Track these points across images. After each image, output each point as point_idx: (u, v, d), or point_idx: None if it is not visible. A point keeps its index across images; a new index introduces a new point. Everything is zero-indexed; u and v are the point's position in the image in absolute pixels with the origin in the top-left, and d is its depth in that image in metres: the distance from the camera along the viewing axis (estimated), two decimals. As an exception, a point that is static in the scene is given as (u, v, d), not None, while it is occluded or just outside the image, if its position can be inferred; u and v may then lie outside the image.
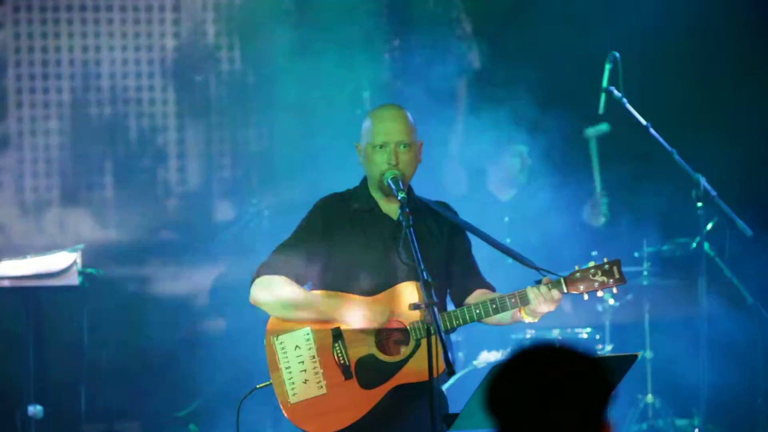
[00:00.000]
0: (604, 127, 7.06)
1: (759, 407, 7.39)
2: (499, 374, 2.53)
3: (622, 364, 4.36)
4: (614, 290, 4.66)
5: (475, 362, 6.62)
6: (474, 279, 4.87)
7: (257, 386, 4.79)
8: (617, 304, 7.13)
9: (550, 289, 4.56)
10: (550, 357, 2.51)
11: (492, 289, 4.85)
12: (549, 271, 4.65)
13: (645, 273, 7.13)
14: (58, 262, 6.55)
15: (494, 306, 4.61)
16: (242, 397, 4.81)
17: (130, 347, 7.46)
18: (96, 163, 7.85)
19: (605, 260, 4.65)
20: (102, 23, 7.85)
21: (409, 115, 4.85)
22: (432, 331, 4.33)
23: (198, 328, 7.72)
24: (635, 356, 4.51)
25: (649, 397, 7.16)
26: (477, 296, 4.82)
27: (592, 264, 4.63)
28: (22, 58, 7.82)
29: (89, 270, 6.76)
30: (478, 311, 4.62)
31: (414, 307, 4.53)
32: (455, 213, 4.94)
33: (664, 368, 7.17)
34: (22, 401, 6.67)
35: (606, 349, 6.95)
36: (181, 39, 7.92)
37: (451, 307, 4.84)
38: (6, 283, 6.53)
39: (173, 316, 7.72)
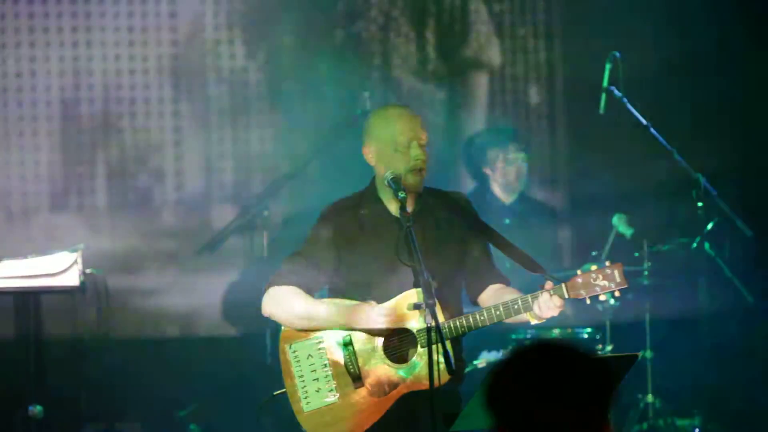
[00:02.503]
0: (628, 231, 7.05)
1: (759, 407, 7.39)
2: (500, 374, 2.53)
3: (622, 364, 4.37)
4: (616, 293, 4.68)
5: (475, 362, 6.62)
6: (488, 274, 4.89)
7: (274, 394, 4.83)
8: (617, 304, 7.13)
9: (551, 296, 4.57)
10: (551, 356, 2.51)
11: (507, 283, 4.87)
12: (552, 276, 4.66)
13: (645, 273, 7.13)
14: (58, 263, 6.55)
15: (498, 313, 4.63)
16: (260, 404, 4.84)
17: (131, 347, 7.45)
18: (87, 166, 7.75)
19: (607, 263, 4.66)
20: (94, 17, 7.72)
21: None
22: (433, 335, 4.35)
23: (199, 328, 7.71)
24: (635, 356, 4.53)
25: (649, 397, 7.15)
26: (491, 293, 4.84)
27: (594, 267, 4.64)
28: (8, 53, 7.70)
29: (89, 270, 6.76)
30: (482, 318, 4.65)
31: (414, 306, 4.55)
32: (470, 206, 4.95)
33: (664, 368, 7.17)
34: (22, 401, 6.67)
35: (606, 349, 6.95)
36: (179, 33, 7.81)
37: (465, 301, 4.87)
38: (6, 284, 6.53)
39: (174, 316, 7.71)
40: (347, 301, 4.75)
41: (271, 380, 4.89)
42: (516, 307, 4.62)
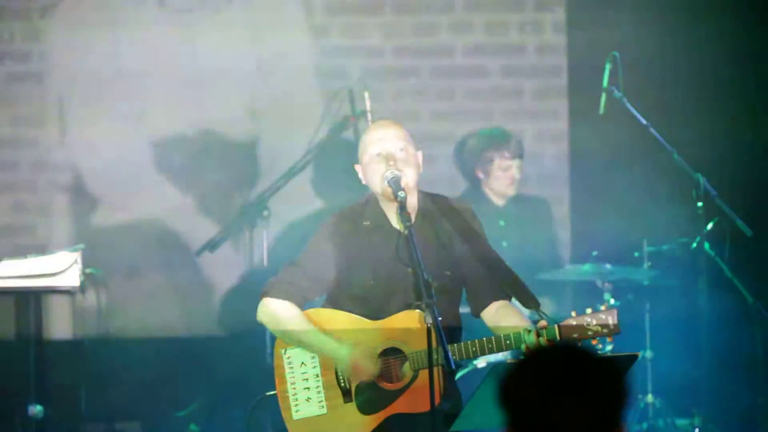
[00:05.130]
0: None
1: (759, 407, 7.39)
2: (516, 373, 2.53)
3: (622, 364, 4.37)
4: (609, 339, 4.70)
5: (475, 362, 6.61)
6: (490, 291, 4.88)
7: (266, 394, 4.84)
8: (617, 303, 7.12)
9: (541, 338, 4.58)
10: (567, 357, 2.51)
11: (509, 298, 4.87)
12: (546, 315, 4.68)
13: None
14: (58, 263, 6.54)
15: (490, 346, 4.66)
16: (252, 403, 4.85)
17: (131, 347, 7.44)
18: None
19: (602, 307, 4.68)
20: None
21: (401, 126, 4.89)
22: (433, 339, 4.35)
23: (199, 328, 7.70)
24: (635, 356, 4.54)
25: (649, 397, 7.16)
26: (494, 311, 4.85)
27: (588, 311, 4.65)
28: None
29: (89, 270, 6.75)
30: (474, 349, 4.67)
31: (415, 306, 4.55)
32: (475, 219, 4.95)
33: (664, 368, 7.17)
34: (22, 401, 6.67)
35: (606, 349, 6.94)
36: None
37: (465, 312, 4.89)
38: (6, 284, 6.52)
39: (174, 316, 7.70)
40: (335, 344, 4.73)
41: (270, 380, 4.89)
42: (508, 342, 4.64)
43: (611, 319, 4.64)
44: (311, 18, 7.84)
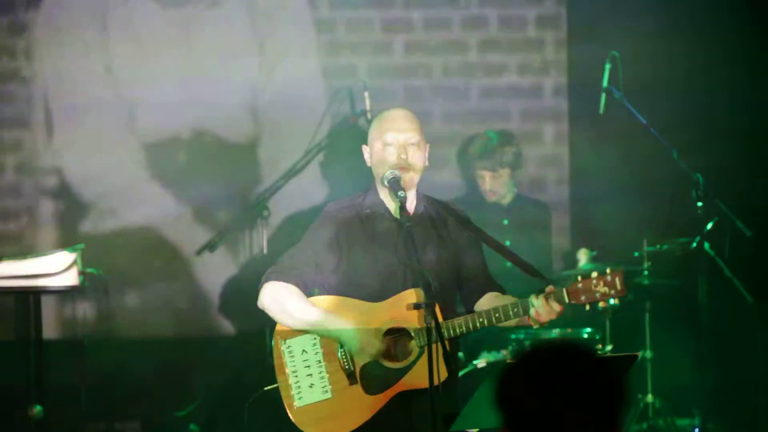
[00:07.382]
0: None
1: (759, 407, 7.39)
2: (513, 373, 2.52)
3: (622, 364, 4.37)
4: (615, 301, 4.70)
5: (475, 362, 6.62)
6: (485, 283, 4.93)
7: (265, 388, 4.84)
8: (617, 304, 7.12)
9: (549, 300, 4.58)
10: (566, 357, 2.50)
11: (503, 291, 4.88)
12: (552, 281, 4.68)
13: (645, 273, 7.13)
14: (58, 263, 6.54)
15: (497, 315, 4.64)
16: (250, 399, 4.85)
17: (131, 347, 7.45)
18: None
19: (608, 270, 4.67)
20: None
21: (416, 119, 4.91)
22: (433, 334, 4.36)
23: (199, 328, 7.70)
24: (635, 356, 4.54)
25: (649, 397, 7.16)
26: (488, 300, 4.86)
27: (594, 274, 4.64)
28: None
29: (89, 270, 6.76)
30: (481, 320, 4.66)
31: (415, 306, 4.56)
32: (468, 218, 4.98)
33: (664, 368, 7.17)
34: (22, 401, 6.67)
35: (606, 349, 6.95)
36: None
37: (461, 311, 4.89)
38: (6, 284, 6.52)
39: (174, 316, 7.70)
40: (344, 312, 4.74)
41: (270, 379, 4.89)
42: (516, 309, 4.63)
43: (618, 282, 4.65)
44: (316, 12, 7.80)
